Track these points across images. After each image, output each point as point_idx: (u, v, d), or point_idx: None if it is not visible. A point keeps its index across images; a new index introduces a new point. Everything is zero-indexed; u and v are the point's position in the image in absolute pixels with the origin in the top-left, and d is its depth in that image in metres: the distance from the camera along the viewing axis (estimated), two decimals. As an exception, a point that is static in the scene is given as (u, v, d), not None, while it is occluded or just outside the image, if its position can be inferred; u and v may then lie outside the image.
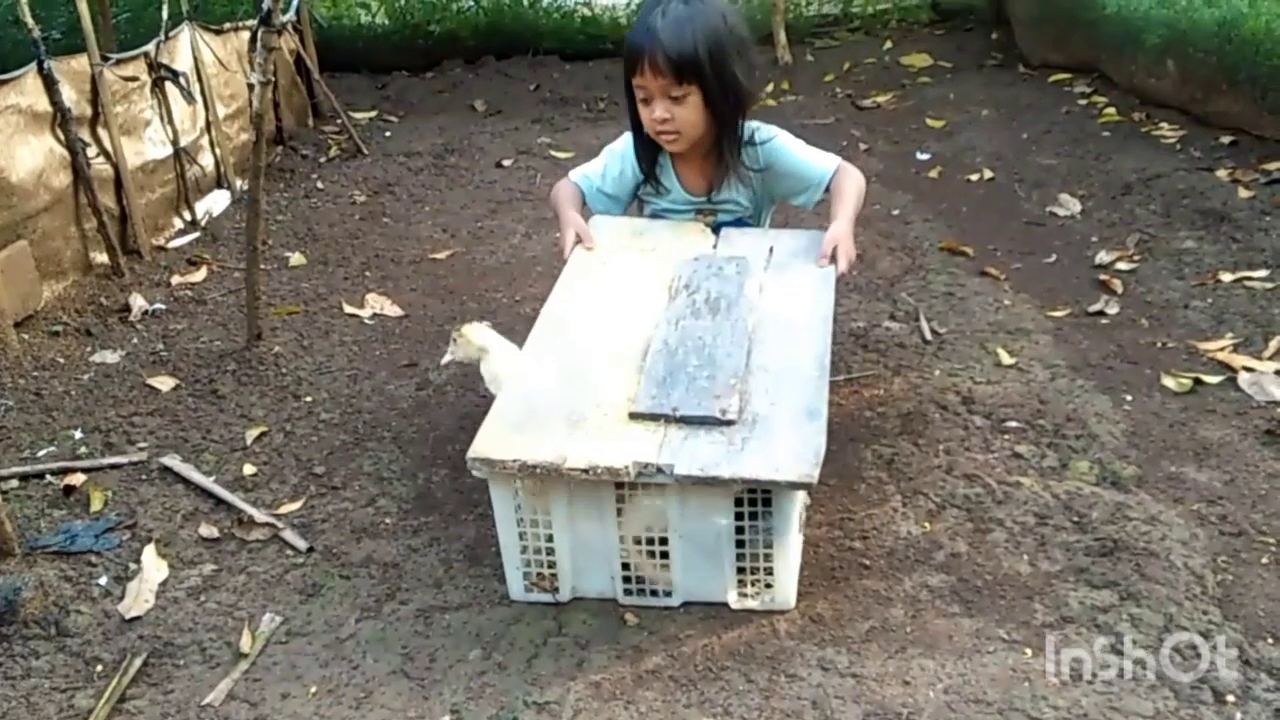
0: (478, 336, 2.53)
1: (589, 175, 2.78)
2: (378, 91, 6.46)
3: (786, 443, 2.01)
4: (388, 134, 5.70)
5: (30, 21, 3.48)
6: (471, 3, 7.26)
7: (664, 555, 2.06)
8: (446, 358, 2.56)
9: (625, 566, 2.08)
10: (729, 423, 2.05)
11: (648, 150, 2.69)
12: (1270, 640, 1.94)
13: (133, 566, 2.34)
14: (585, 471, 1.95)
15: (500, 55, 6.84)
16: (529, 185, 4.79)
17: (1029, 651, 1.94)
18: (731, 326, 2.31)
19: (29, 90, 3.50)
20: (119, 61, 3.99)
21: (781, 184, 2.74)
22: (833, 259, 2.52)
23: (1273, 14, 4.22)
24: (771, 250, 2.61)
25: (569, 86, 6.33)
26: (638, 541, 2.06)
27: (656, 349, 2.25)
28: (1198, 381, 2.79)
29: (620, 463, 1.96)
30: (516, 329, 2.55)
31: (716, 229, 2.70)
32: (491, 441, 2.03)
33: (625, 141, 2.75)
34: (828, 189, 2.68)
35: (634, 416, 2.08)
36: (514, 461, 1.97)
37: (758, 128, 2.68)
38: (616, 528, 2.04)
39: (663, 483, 1.96)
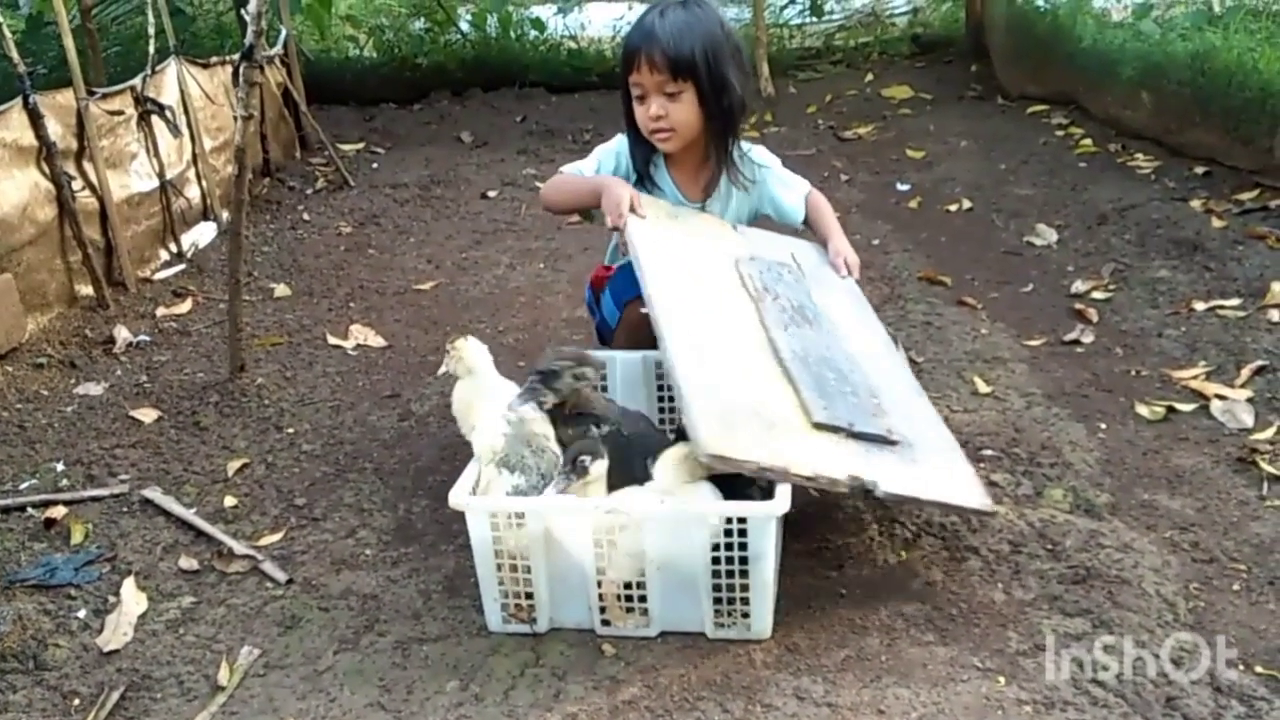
0: (470, 356, 2.42)
1: (582, 170, 2.73)
2: (365, 123, 6.51)
3: (953, 470, 2.21)
4: (374, 165, 5.74)
5: (15, 56, 3.52)
6: (459, 36, 7.34)
7: (642, 599, 2.09)
8: (442, 369, 2.47)
9: (602, 597, 2.10)
10: (894, 443, 2.16)
11: (641, 150, 2.69)
12: (1241, 667, 1.96)
13: (112, 599, 2.34)
14: (810, 479, 1.98)
15: (487, 87, 6.91)
16: (514, 216, 4.83)
17: (1002, 680, 1.96)
18: (833, 341, 2.38)
19: (14, 125, 3.53)
20: (105, 96, 4.02)
21: (767, 203, 2.80)
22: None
23: (1244, 47, 4.31)
24: (794, 258, 2.67)
25: (555, 118, 6.38)
26: (617, 586, 2.08)
27: (789, 357, 2.26)
28: (1171, 409, 2.83)
29: (838, 474, 2.01)
30: (500, 359, 2.56)
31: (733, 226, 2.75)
32: (718, 439, 1.95)
33: (618, 140, 2.75)
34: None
35: (817, 426, 2.10)
36: (750, 462, 1.95)
37: (751, 148, 2.74)
38: (594, 559, 2.05)
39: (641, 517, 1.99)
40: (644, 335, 2.74)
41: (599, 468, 2.10)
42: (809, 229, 2.87)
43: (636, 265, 2.36)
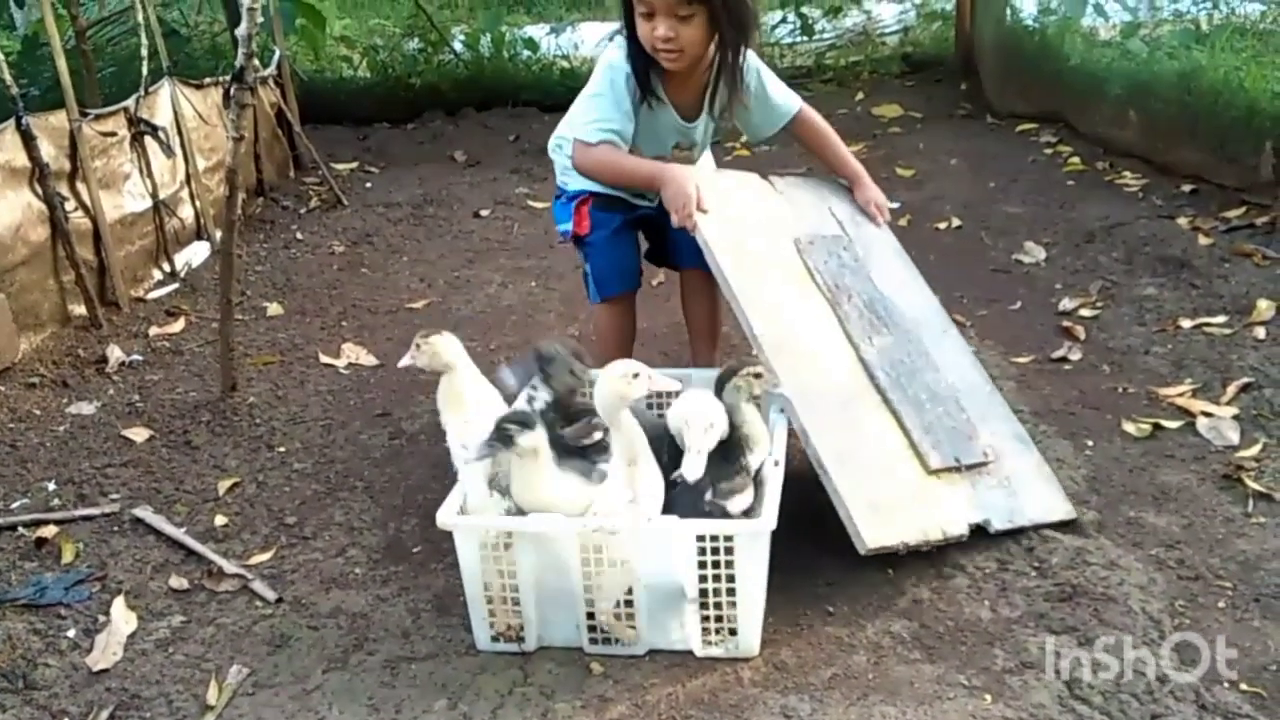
0: (445, 351, 2.43)
1: (612, 128, 2.62)
2: (359, 143, 6.52)
3: (1032, 480, 2.45)
4: (368, 185, 5.76)
5: (8, 78, 3.54)
6: (452, 56, 7.37)
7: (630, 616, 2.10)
8: (405, 360, 2.47)
9: (590, 615, 2.10)
10: (988, 462, 2.38)
11: (642, 62, 2.60)
12: (1226, 685, 1.97)
13: (102, 619, 2.35)
14: (943, 541, 2.28)
15: (480, 107, 6.93)
16: (506, 235, 4.85)
17: (989, 697, 1.97)
18: (910, 344, 2.55)
19: (7, 146, 3.54)
20: (98, 117, 4.05)
21: (755, 113, 2.80)
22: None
23: (1231, 66, 4.35)
24: (835, 215, 2.77)
25: (548, 137, 6.27)
26: (616, 605, 2.09)
27: (885, 384, 2.44)
28: (1157, 427, 2.84)
29: (961, 527, 2.31)
30: (491, 377, 2.57)
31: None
32: (876, 534, 2.23)
33: (613, 71, 2.63)
34: (788, 126, 2.84)
35: (934, 472, 2.35)
36: (900, 545, 2.24)
37: (746, 57, 2.68)
38: (582, 576, 2.06)
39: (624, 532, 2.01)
40: (618, 335, 2.90)
41: (528, 439, 2.04)
42: (806, 149, 2.97)
43: (723, 283, 2.48)
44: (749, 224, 2.62)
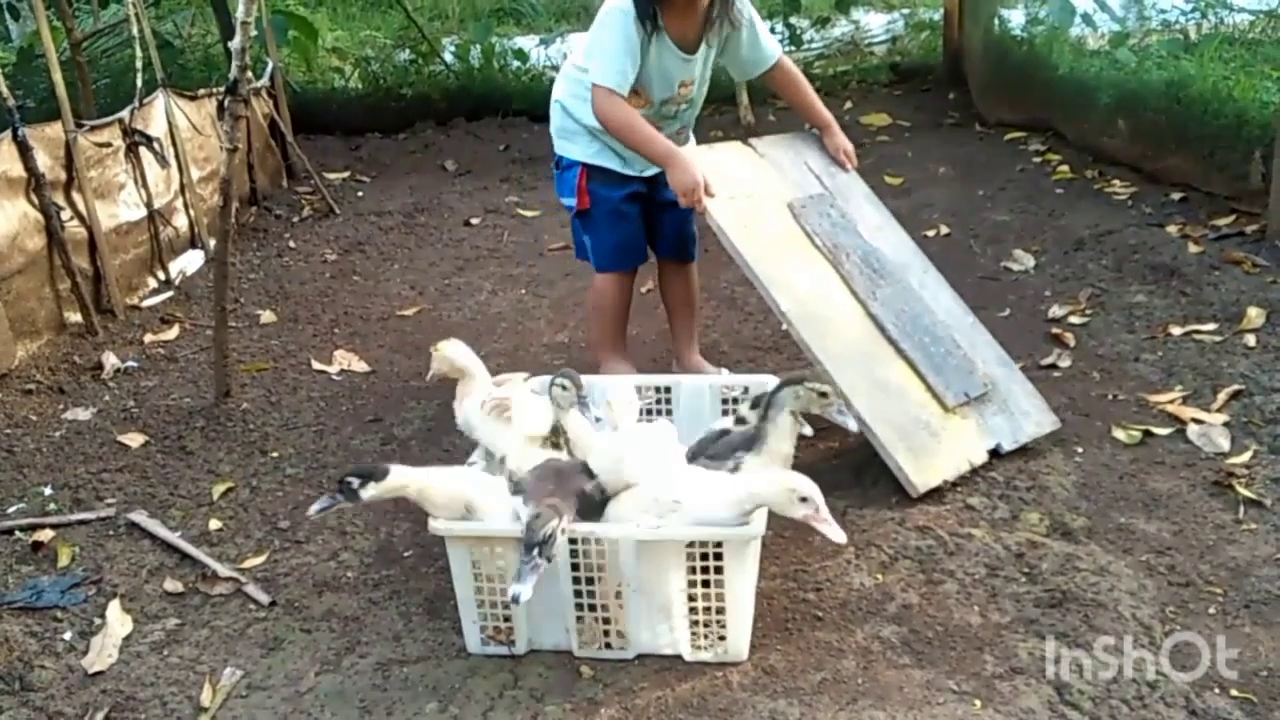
0: (455, 356, 2.57)
1: (626, 75, 2.75)
2: (351, 152, 6.53)
3: (1021, 398, 2.77)
4: (360, 194, 5.77)
5: (4, 90, 3.55)
6: (443, 67, 7.39)
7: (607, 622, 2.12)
8: (430, 374, 2.62)
9: (580, 619, 2.11)
10: (988, 391, 2.63)
11: (648, 3, 2.73)
12: (1217, 690, 1.98)
13: (98, 621, 2.36)
14: (971, 471, 2.59)
15: (471, 117, 6.94)
16: (496, 243, 4.87)
17: (978, 703, 1.97)
18: (904, 290, 2.79)
19: (3, 156, 3.56)
20: (93, 128, 4.06)
21: (746, 50, 2.97)
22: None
23: (1219, 75, 4.37)
24: (812, 169, 2.95)
25: (537, 146, 6.40)
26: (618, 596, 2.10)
27: (895, 335, 2.69)
28: (1147, 433, 2.85)
29: (983, 455, 2.62)
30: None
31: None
32: (923, 477, 2.53)
33: (624, 15, 2.73)
34: (769, 71, 3.01)
35: (951, 410, 2.63)
36: (943, 481, 2.55)
37: None
38: (571, 581, 2.07)
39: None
40: (613, 306, 3.09)
41: (370, 491, 2.04)
42: (783, 95, 3.17)
43: (744, 265, 2.67)
44: (748, 198, 2.79)
